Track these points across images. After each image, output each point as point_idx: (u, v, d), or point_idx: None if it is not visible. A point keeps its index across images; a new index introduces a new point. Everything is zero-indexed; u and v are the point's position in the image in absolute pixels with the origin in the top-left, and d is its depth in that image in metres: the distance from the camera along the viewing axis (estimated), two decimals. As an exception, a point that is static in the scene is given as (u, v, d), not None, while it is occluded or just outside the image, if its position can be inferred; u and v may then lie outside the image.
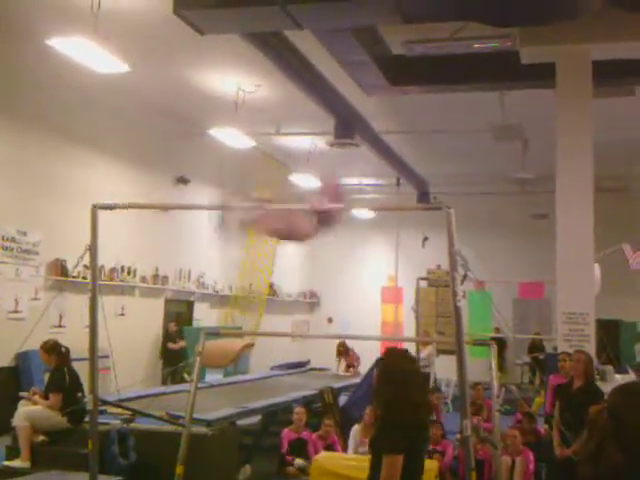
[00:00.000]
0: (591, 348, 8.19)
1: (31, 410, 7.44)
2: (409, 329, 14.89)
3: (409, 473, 3.69)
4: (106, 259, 12.15)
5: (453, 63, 10.01)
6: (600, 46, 8.88)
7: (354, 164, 16.73)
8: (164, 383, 12.48)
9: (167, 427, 6.83)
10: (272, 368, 13.75)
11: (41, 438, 7.46)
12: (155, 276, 14.29)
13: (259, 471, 7.84)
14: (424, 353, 12.34)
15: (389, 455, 3.65)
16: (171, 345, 13.78)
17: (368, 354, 11.86)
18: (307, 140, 14.75)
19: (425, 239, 17.93)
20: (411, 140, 14.75)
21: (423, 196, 17.77)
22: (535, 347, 16.20)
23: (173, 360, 13.03)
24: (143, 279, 13.92)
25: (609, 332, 9.06)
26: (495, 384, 6.19)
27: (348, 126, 12.21)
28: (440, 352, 13.11)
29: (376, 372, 3.96)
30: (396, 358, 4.00)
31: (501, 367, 14.56)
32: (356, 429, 8.13)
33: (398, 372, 3.84)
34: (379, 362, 10.39)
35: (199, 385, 6.69)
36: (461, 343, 4.89)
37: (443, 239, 4.75)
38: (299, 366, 13.35)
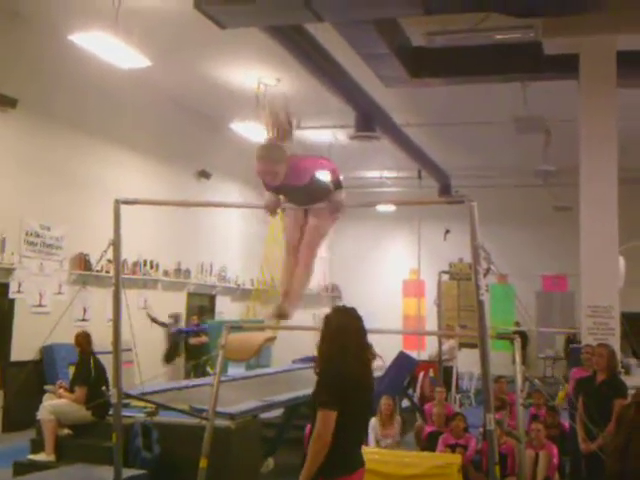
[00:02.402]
0: (615, 341, 8.12)
1: (56, 404, 7.51)
2: (431, 323, 14.85)
3: (344, 431, 3.73)
4: (129, 253, 12.23)
5: (475, 54, 9.92)
6: (625, 36, 8.77)
7: (375, 157, 16.69)
8: (187, 377, 12.55)
9: (191, 420, 6.86)
10: (294, 361, 13.77)
11: (66, 431, 7.53)
12: (177, 270, 14.37)
13: (282, 464, 7.86)
14: (445, 346, 12.29)
15: (322, 410, 3.70)
16: (193, 340, 13.80)
17: (389, 348, 11.85)
18: (328, 133, 14.71)
19: (447, 232, 17.83)
20: (432, 132, 14.67)
21: (445, 189, 17.67)
22: (572, 341, 16.05)
23: (195, 354, 13.06)
24: (166, 273, 14.00)
25: (634, 325, 8.97)
26: (519, 378, 6.14)
27: (369, 119, 12.16)
28: (462, 346, 13.07)
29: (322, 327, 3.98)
30: (338, 314, 4.00)
31: (524, 361, 14.47)
32: (374, 422, 8.12)
33: (335, 328, 3.88)
34: (400, 356, 10.40)
35: (222, 378, 6.71)
36: (484, 337, 4.86)
37: (465, 232, 4.71)
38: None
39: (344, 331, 3.88)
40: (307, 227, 4.78)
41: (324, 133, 14.74)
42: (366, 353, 3.99)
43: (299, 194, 4.70)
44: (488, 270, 8.59)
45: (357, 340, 3.92)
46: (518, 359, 6.18)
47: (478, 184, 16.67)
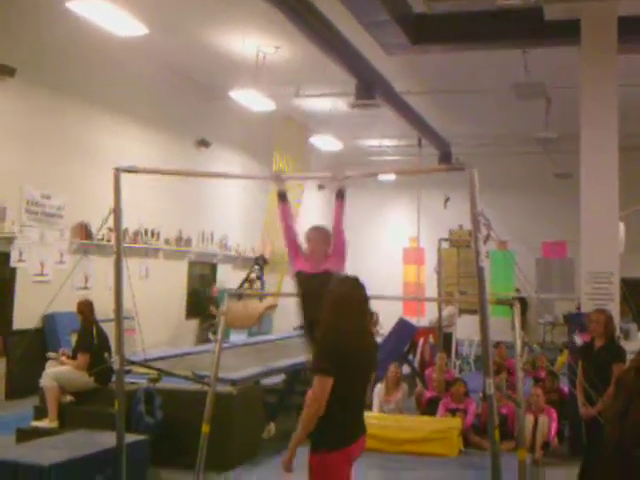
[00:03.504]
0: (615, 307, 8.16)
1: (58, 371, 7.57)
2: (431, 290, 14.90)
3: (343, 400, 3.75)
4: (130, 222, 12.25)
5: (475, 21, 9.86)
6: (626, 1, 8.70)
7: (375, 125, 16.64)
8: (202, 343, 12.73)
9: (193, 386, 6.92)
10: (295, 328, 13.84)
11: (69, 398, 7.60)
12: (178, 238, 14.40)
13: (284, 430, 7.93)
14: (445, 312, 12.36)
15: (318, 375, 3.71)
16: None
17: (390, 315, 11.91)
18: (328, 101, 14.64)
19: (447, 200, 17.84)
20: (433, 100, 14.61)
21: (445, 157, 17.64)
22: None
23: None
24: (167, 241, 14.03)
25: (633, 290, 9.00)
26: (518, 343, 6.19)
27: (369, 87, 12.09)
28: (462, 312, 13.14)
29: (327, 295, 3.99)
30: (340, 284, 4.02)
31: (523, 326, 14.56)
32: (379, 388, 8.20)
33: (337, 298, 3.90)
34: (400, 322, 10.44)
35: (224, 345, 6.76)
36: (484, 303, 4.89)
37: (465, 199, 4.72)
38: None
39: (346, 301, 3.88)
40: None
41: (324, 101, 14.68)
42: (368, 323, 4.01)
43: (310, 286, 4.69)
44: (488, 237, 8.62)
45: (358, 310, 3.92)
46: (517, 324, 6.23)
47: (479, 152, 16.65)
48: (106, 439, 6.00)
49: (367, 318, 4.01)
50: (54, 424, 7.27)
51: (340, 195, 5.04)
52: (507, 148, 17.22)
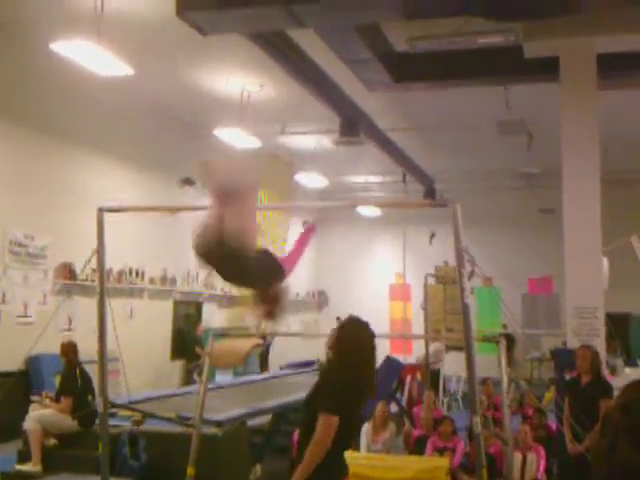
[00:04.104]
0: (601, 342, 8.16)
1: (42, 414, 7.48)
2: (418, 326, 14.87)
3: (338, 439, 3.77)
4: (114, 262, 12.17)
5: (456, 59, 9.98)
6: (605, 39, 8.83)
7: (360, 162, 16.73)
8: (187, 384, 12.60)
9: (178, 428, 6.84)
10: (282, 368, 13.76)
11: (52, 441, 7.50)
12: (163, 278, 14.32)
13: (270, 471, 7.84)
14: (432, 349, 12.32)
15: (326, 415, 3.73)
16: (199, 350, 13.44)
17: (377, 351, 11.85)
18: (313, 139, 14.73)
19: (432, 236, 17.90)
20: (416, 136, 14.73)
21: (430, 192, 17.75)
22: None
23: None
24: (151, 281, 13.94)
25: (619, 326, 9.01)
26: (505, 380, 6.18)
27: (353, 124, 12.20)
28: (449, 348, 13.10)
29: (335, 334, 4.02)
30: (355, 326, 4.03)
31: (510, 363, 14.54)
32: (367, 427, 8.12)
33: (351, 341, 3.93)
34: (387, 360, 10.41)
35: (209, 386, 6.69)
36: (470, 339, 4.88)
37: (450, 235, 4.74)
38: (308, 365, 13.34)
39: (359, 345, 3.93)
40: None
41: (309, 138, 14.77)
42: (373, 368, 4.02)
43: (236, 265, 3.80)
44: (472, 273, 8.65)
45: (369, 355, 3.97)
46: (504, 361, 6.22)
47: (463, 187, 16.74)
48: (88, 484, 5.91)
49: (374, 364, 4.01)
50: (38, 468, 7.17)
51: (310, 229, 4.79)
52: (491, 183, 17.34)
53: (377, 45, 9.45)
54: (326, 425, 3.71)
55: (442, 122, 13.37)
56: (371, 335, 4.00)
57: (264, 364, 15.26)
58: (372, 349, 3.98)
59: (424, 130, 14.18)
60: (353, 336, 3.94)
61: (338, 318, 21.29)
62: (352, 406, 3.87)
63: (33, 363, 10.57)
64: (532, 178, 15.02)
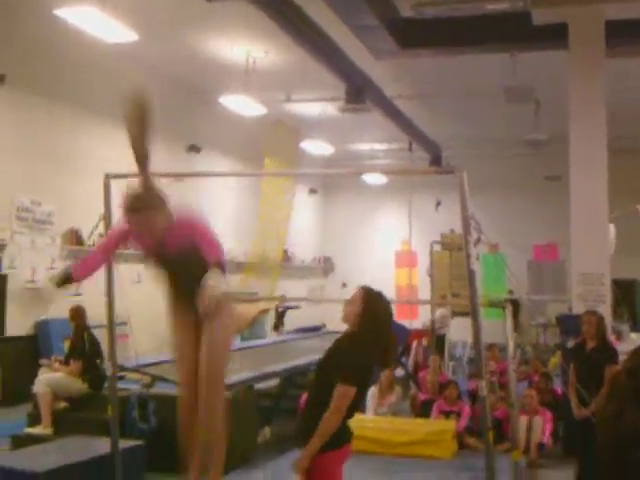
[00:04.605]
0: (606, 308, 8.21)
1: (51, 377, 7.57)
2: (424, 293, 14.93)
3: (352, 404, 3.84)
4: (121, 228, 12.21)
5: (464, 25, 9.92)
6: (614, 5, 8.76)
7: (365, 129, 16.66)
8: None
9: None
10: (288, 332, 13.86)
11: (62, 404, 7.59)
12: (170, 244, 14.37)
13: (278, 434, 7.96)
14: (438, 315, 12.39)
15: (344, 385, 3.77)
16: None
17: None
18: (318, 106, 14.67)
19: (438, 203, 17.90)
20: (423, 104, 14.65)
21: (436, 160, 17.70)
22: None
23: None
24: (158, 247, 13.99)
25: (625, 292, 9.05)
26: (511, 345, 6.23)
27: (359, 91, 12.14)
28: (455, 314, 13.17)
29: (356, 297, 4.04)
30: (378, 298, 4.07)
31: (516, 328, 14.61)
32: (373, 391, 8.21)
33: (375, 312, 3.97)
34: (393, 325, 10.45)
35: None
36: (476, 305, 4.92)
37: (456, 203, 4.74)
38: (314, 330, 13.43)
39: (380, 319, 3.98)
40: (202, 344, 3.90)
41: (314, 106, 14.70)
42: (392, 337, 4.06)
43: (171, 265, 3.89)
44: (479, 239, 8.70)
45: (389, 326, 4.03)
46: (509, 326, 6.27)
47: (469, 155, 16.69)
48: (101, 445, 6.00)
49: (392, 333, 4.06)
50: (48, 430, 7.27)
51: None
52: (498, 151, 17.28)
53: (383, 11, 9.38)
54: (344, 395, 3.77)
55: (448, 89, 13.30)
56: (389, 306, 4.07)
57: (278, 326, 15.40)
58: (390, 318, 4.04)
59: (430, 97, 14.10)
60: (374, 311, 3.97)
61: (344, 284, 21.44)
62: (368, 378, 3.97)
63: (42, 328, 10.66)
64: (538, 145, 14.96)
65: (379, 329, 3.93)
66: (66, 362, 7.70)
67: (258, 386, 8.14)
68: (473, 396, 7.87)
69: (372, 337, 3.89)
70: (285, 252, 17.70)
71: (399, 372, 10.54)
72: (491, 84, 11.99)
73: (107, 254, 4.22)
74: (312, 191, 20.18)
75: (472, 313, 4.90)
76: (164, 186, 13.22)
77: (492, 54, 10.82)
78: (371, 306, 3.98)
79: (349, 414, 3.88)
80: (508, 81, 11.55)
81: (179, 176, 13.25)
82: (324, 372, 3.94)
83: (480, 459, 6.13)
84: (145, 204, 3.90)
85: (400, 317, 13.71)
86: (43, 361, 8.24)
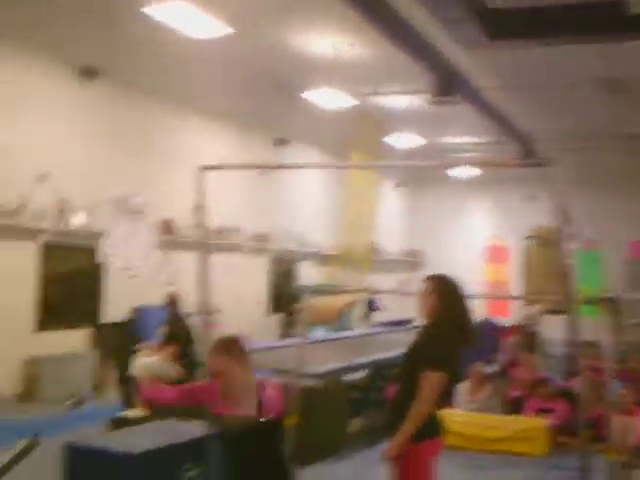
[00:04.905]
0: None
1: (148, 361, 7.81)
2: (515, 289, 14.69)
3: (441, 392, 3.82)
4: (211, 219, 12.42)
5: (555, 15, 9.64)
6: None
7: (454, 122, 16.45)
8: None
9: (278, 380, 7.00)
10: (375, 325, 13.86)
11: (158, 388, 7.81)
12: (259, 236, 14.61)
13: (367, 425, 7.99)
14: (531, 312, 12.17)
15: (433, 371, 3.77)
16: (297, 306, 13.78)
17: (474, 314, 11.79)
18: (405, 99, 14.58)
19: (530, 198, 17.52)
20: (513, 96, 14.35)
21: (527, 154, 17.30)
22: None
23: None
24: (248, 239, 14.26)
25: None
26: (607, 343, 6.08)
27: (447, 83, 11.97)
28: (547, 312, 12.89)
29: (430, 289, 4.02)
30: (450, 282, 4.06)
31: (612, 326, 14.20)
32: (463, 387, 8.15)
33: (453, 295, 3.99)
34: (485, 322, 10.35)
35: (306, 340, 6.83)
36: (571, 301, 4.84)
37: (549, 198, 4.66)
38: (402, 324, 13.39)
39: (459, 299, 4.00)
40: None
41: (401, 98, 14.62)
42: (471, 326, 4.07)
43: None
44: (573, 235, 8.48)
45: (465, 307, 4.03)
46: (606, 324, 6.12)
47: (562, 149, 16.28)
48: (195, 428, 6.13)
49: (469, 313, 4.05)
50: (144, 413, 7.48)
51: None
52: (592, 144, 16.79)
53: (471, 2, 9.23)
54: (432, 382, 3.77)
55: (539, 80, 12.98)
56: (459, 287, 4.05)
57: (367, 315, 15.48)
58: (463, 298, 4.03)
59: (521, 89, 13.80)
60: (447, 297, 3.97)
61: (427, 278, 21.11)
62: (454, 363, 3.94)
63: (138, 314, 11.01)
64: (636, 139, 14.49)
65: (455, 313, 3.94)
66: (162, 347, 7.93)
67: (347, 378, 8.18)
68: (568, 394, 7.71)
69: (450, 322, 3.90)
70: (372, 245, 17.70)
71: (490, 369, 10.42)
72: (586, 75, 11.67)
73: (181, 397, 4.11)
74: (399, 185, 20.10)
75: (567, 309, 4.82)
76: (253, 178, 13.39)
77: (586, 44, 10.52)
78: (443, 293, 3.98)
79: (439, 403, 3.87)
80: (603, 72, 11.22)
81: (267, 168, 13.49)
82: (410, 364, 3.94)
83: (573, 458, 6.03)
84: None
85: (492, 314, 13.57)
86: (140, 346, 8.51)
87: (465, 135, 17.91)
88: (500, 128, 15.88)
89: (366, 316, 15.06)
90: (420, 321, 4.20)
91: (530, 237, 13.54)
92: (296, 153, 15.47)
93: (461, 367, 4.23)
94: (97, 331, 10.70)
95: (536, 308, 12.68)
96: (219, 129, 13.50)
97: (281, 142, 15.21)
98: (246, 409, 3.67)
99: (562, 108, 14.98)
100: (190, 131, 12.71)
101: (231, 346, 3.80)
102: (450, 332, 3.88)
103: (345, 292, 12.24)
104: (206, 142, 12.96)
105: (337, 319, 11.34)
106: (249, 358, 3.83)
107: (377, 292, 16.06)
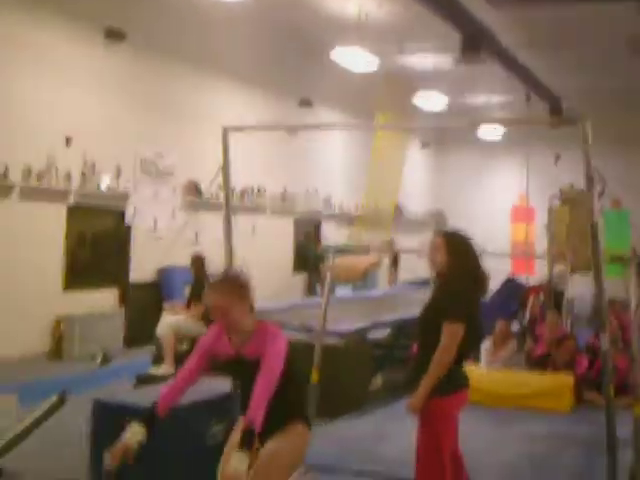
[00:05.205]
0: None
1: (174, 320, 7.90)
2: (541, 249, 14.57)
3: (460, 347, 3.81)
4: (237, 180, 12.45)
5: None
6: None
7: (481, 81, 16.25)
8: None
9: (302, 337, 7.07)
10: (399, 285, 13.87)
11: (184, 346, 7.93)
12: (284, 196, 14.63)
13: (390, 382, 8.04)
14: (556, 271, 12.08)
15: (452, 323, 3.78)
16: (322, 266, 13.85)
17: (498, 274, 11.76)
18: (432, 58, 14.40)
19: (558, 157, 17.31)
20: (541, 54, 14.10)
21: (555, 112, 17.06)
22: None
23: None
24: (273, 199, 14.28)
25: None
26: (633, 299, 6.03)
27: (475, 42, 11.81)
28: (574, 270, 12.79)
29: (439, 244, 4.00)
30: (462, 237, 4.07)
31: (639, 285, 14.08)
32: (487, 344, 8.16)
33: (465, 249, 3.99)
34: (508, 281, 10.32)
35: (330, 299, 6.85)
36: (598, 259, 4.81)
37: (577, 157, 4.61)
38: (426, 283, 13.35)
39: (472, 253, 4.00)
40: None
41: (427, 58, 14.44)
42: (484, 275, 4.07)
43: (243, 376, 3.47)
44: (602, 193, 8.37)
45: (476, 258, 4.04)
46: (633, 282, 6.07)
47: (591, 107, 15.99)
48: (221, 385, 6.22)
49: (480, 264, 4.06)
50: (170, 371, 7.59)
51: None
52: (622, 103, 16.50)
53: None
54: (452, 332, 3.77)
55: (569, 38, 12.75)
56: (469, 240, 4.05)
57: (394, 270, 15.52)
58: (474, 251, 4.03)
59: (550, 47, 13.56)
60: (458, 249, 3.98)
61: (437, 233, 20.97)
62: (473, 313, 3.93)
63: (164, 274, 11.15)
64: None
65: (469, 266, 3.95)
66: (187, 306, 8.03)
67: (371, 336, 8.23)
68: (592, 350, 7.70)
69: (464, 275, 3.91)
70: (397, 206, 17.65)
71: (514, 327, 10.41)
72: (615, 33, 11.43)
73: (189, 382, 3.59)
74: (424, 145, 19.94)
75: (594, 266, 4.79)
76: (278, 139, 13.40)
77: (615, 2, 10.29)
78: (454, 248, 3.98)
79: (461, 355, 3.87)
80: (633, 30, 10.98)
81: (291, 129, 13.43)
82: (429, 319, 3.95)
83: (599, 414, 6.02)
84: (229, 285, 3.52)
85: (517, 273, 13.51)
86: (166, 305, 8.61)
87: (492, 94, 17.68)
88: (527, 87, 15.66)
89: (393, 269, 15.12)
90: (431, 276, 4.20)
91: (557, 196, 13.38)
92: (321, 115, 15.39)
93: (482, 321, 4.22)
94: (124, 291, 10.85)
95: (563, 267, 12.57)
96: (244, 90, 13.46)
97: (306, 103, 15.13)
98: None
99: (590, 66, 14.71)
100: (215, 92, 12.69)
101: (232, 284, 3.52)
102: (465, 284, 3.90)
103: (369, 252, 12.22)
104: (231, 103, 12.93)
105: (362, 279, 11.35)
106: (251, 296, 3.52)
107: (401, 252, 16.04)
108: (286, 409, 3.43)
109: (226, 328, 3.48)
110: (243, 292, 3.48)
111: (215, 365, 3.60)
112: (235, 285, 3.50)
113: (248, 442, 3.12)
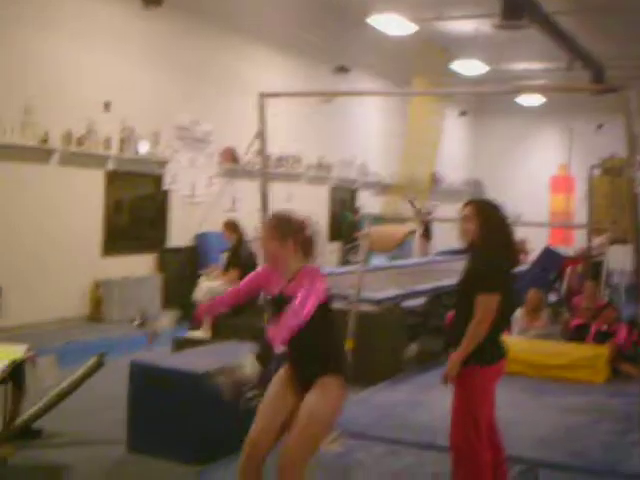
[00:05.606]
0: None
1: (211, 285, 7.99)
2: (580, 220, 14.43)
3: (496, 318, 3.79)
4: (273, 147, 12.47)
5: None
6: None
7: (521, 48, 15.94)
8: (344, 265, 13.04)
9: (338, 305, 7.09)
10: (436, 254, 13.83)
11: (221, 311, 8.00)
12: (320, 164, 14.60)
13: (425, 351, 8.06)
14: (596, 242, 11.93)
15: (486, 293, 3.76)
16: (358, 234, 13.93)
17: (537, 244, 11.68)
18: (471, 23, 14.16)
19: (599, 126, 16.99)
20: (585, 20, 13.80)
21: (598, 80, 16.70)
22: None
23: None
24: (308, 167, 14.26)
25: None
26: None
27: (516, 6, 11.57)
28: (613, 242, 12.63)
29: (470, 214, 3.96)
30: (494, 207, 4.03)
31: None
32: (520, 313, 8.12)
33: (498, 219, 3.96)
34: (547, 250, 10.24)
35: (365, 268, 6.88)
36: (638, 229, 4.75)
37: (619, 126, 4.53)
38: (461, 252, 13.29)
39: (504, 222, 3.98)
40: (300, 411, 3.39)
41: (466, 23, 14.21)
42: (516, 245, 4.09)
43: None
44: (642, 164, 8.22)
45: (508, 227, 4.01)
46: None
47: (635, 76, 15.64)
48: (253, 349, 6.29)
49: (511, 234, 4.04)
50: (207, 335, 7.69)
51: None
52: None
53: None
54: (487, 303, 3.76)
55: (614, 3, 12.44)
56: (500, 209, 4.03)
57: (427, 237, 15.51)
58: (505, 220, 4.01)
59: (593, 13, 13.25)
60: (490, 220, 3.94)
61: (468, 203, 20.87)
62: (508, 284, 3.93)
63: (201, 240, 11.25)
64: None
65: (501, 235, 3.93)
66: (225, 271, 8.10)
67: (406, 304, 8.23)
68: (631, 322, 7.63)
69: (497, 245, 3.89)
70: (434, 174, 17.53)
71: (552, 298, 10.34)
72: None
73: (235, 299, 3.82)
74: (462, 113, 19.71)
75: (634, 237, 4.73)
76: (314, 107, 13.33)
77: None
78: (486, 217, 3.95)
79: (498, 326, 3.86)
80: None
81: (327, 96, 13.36)
82: (464, 290, 3.94)
83: (634, 385, 6.01)
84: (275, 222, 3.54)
85: (555, 243, 13.38)
86: (203, 270, 8.70)
87: (532, 61, 17.36)
88: (569, 54, 15.32)
89: (422, 245, 15.08)
90: (461, 245, 4.19)
91: (597, 166, 13.17)
92: (357, 81, 15.27)
93: (516, 291, 4.20)
94: (162, 256, 10.98)
95: (602, 238, 12.41)
96: (280, 57, 13.40)
97: (342, 70, 15.01)
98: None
99: (634, 33, 14.35)
100: (252, 59, 12.65)
101: (280, 222, 3.49)
102: (499, 255, 3.88)
103: (405, 221, 12.20)
104: (267, 70, 12.89)
105: (397, 247, 11.34)
106: (302, 239, 3.46)
107: (438, 220, 15.99)
108: (324, 360, 3.45)
109: (271, 263, 3.53)
110: (288, 231, 3.46)
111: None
112: (281, 223, 3.50)
113: (263, 357, 3.21)
